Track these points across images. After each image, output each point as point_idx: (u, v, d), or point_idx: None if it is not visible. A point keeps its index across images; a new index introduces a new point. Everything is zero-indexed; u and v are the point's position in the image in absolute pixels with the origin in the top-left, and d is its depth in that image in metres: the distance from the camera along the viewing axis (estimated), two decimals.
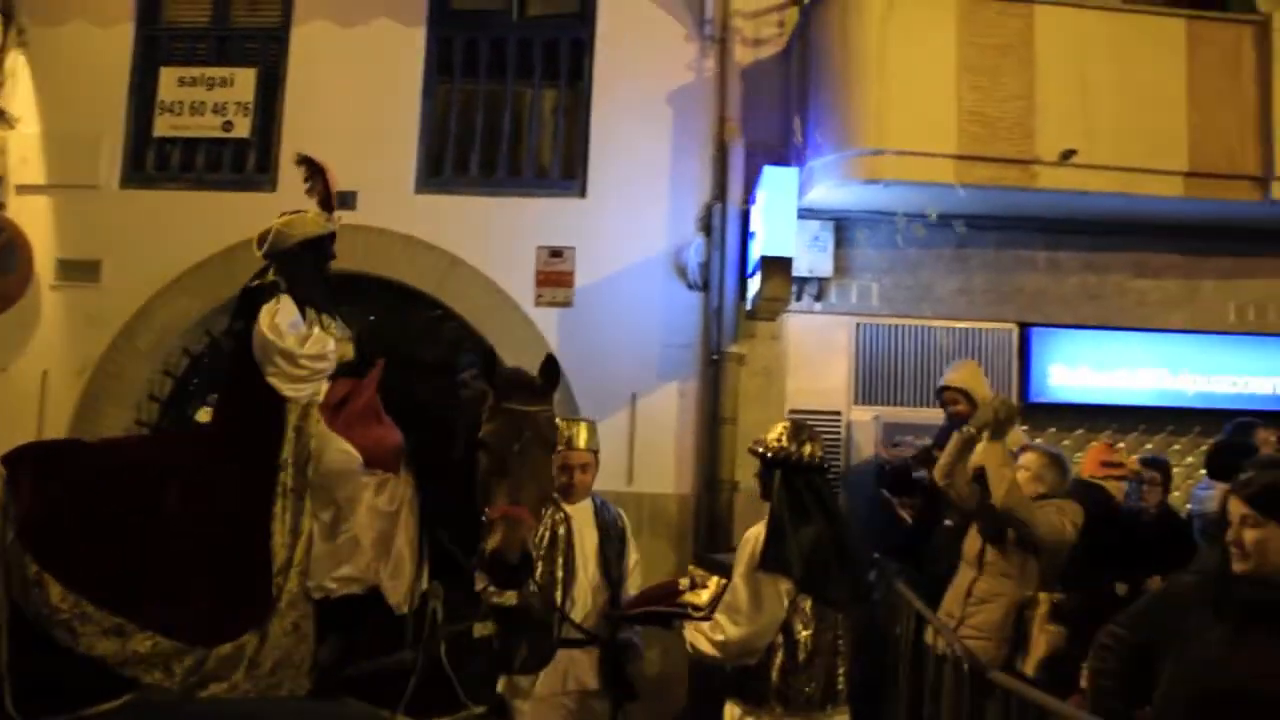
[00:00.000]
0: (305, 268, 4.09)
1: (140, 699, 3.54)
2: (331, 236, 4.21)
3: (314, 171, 4.26)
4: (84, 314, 7.67)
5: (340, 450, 3.77)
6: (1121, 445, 7.28)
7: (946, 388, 6.01)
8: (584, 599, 4.54)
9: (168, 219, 7.66)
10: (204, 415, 7.85)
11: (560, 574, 4.49)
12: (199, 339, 7.78)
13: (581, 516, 4.66)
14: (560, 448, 4.23)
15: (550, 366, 3.75)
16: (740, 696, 3.98)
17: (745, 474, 7.08)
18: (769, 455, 4.03)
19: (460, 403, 3.84)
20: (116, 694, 3.52)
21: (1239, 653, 2.79)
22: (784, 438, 4.05)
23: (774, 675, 3.85)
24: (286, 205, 7.40)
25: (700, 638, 3.98)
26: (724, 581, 4.07)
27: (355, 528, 3.73)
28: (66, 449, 4.26)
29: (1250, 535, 2.85)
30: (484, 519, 3.52)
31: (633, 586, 4.74)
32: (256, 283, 3.99)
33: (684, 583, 4.31)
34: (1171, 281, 7.45)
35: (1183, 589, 3.24)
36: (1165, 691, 2.98)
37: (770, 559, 3.84)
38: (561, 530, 4.57)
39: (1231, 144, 6.74)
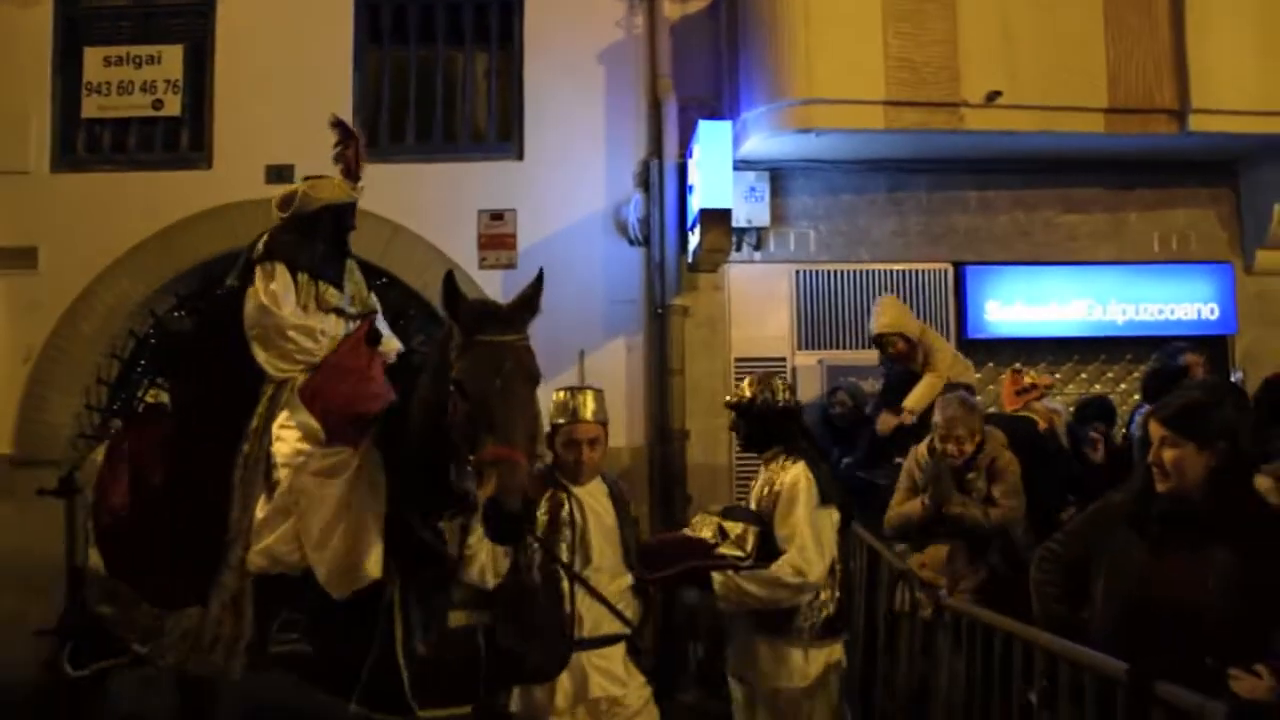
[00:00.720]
0: (323, 233, 4.14)
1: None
2: (353, 205, 4.23)
3: (345, 137, 4.26)
4: (24, 301, 7.59)
5: (300, 422, 3.70)
6: (1055, 376, 7.56)
7: (880, 335, 6.20)
8: (603, 589, 3.74)
9: (103, 201, 7.57)
10: (151, 396, 7.87)
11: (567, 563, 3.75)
12: (143, 320, 7.73)
13: (594, 499, 3.86)
14: (562, 420, 3.90)
15: (450, 285, 3.31)
16: (771, 632, 4.11)
17: (696, 423, 7.28)
18: (753, 407, 4.29)
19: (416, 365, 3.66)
20: (115, 656, 3.79)
21: (1159, 566, 2.94)
22: (759, 388, 4.31)
23: (803, 604, 4.08)
24: (221, 182, 7.54)
25: (756, 589, 4.00)
26: (758, 529, 4.09)
27: (290, 503, 3.56)
28: (154, 415, 4.61)
29: (1169, 455, 2.98)
30: (470, 468, 3.17)
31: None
32: (261, 247, 4.02)
33: (707, 535, 4.12)
34: (1098, 216, 7.69)
35: (1111, 507, 3.39)
36: (1096, 604, 3.17)
37: (823, 494, 4.10)
38: (566, 514, 3.77)
39: (1149, 79, 6.94)
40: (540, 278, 3.54)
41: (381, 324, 4.43)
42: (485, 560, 3.54)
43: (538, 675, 3.64)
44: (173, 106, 7.70)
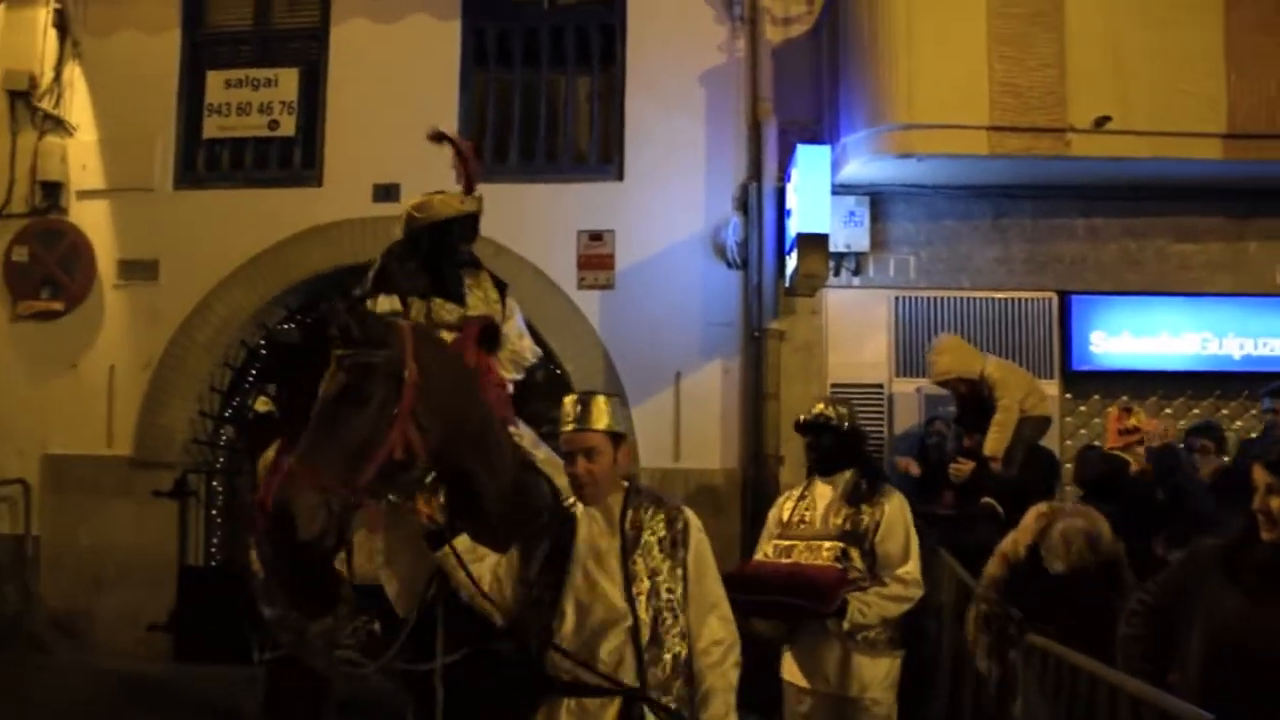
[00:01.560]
0: (435, 250, 4.16)
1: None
2: (468, 217, 4.20)
3: (454, 151, 4.32)
4: (146, 311, 7.97)
5: None
6: (1167, 411, 7.29)
7: (939, 383, 6.19)
8: (584, 631, 3.14)
9: (220, 217, 7.91)
10: (262, 405, 8.18)
11: (547, 596, 3.17)
12: (255, 331, 8.04)
13: (599, 517, 3.23)
14: (566, 428, 3.25)
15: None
16: (855, 643, 4.25)
17: (789, 448, 7.22)
18: (841, 426, 4.45)
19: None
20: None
21: (1256, 616, 2.83)
22: (842, 408, 4.53)
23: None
24: (332, 200, 7.79)
25: (890, 604, 4.22)
26: (857, 549, 4.29)
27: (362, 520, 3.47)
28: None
29: (1276, 503, 2.86)
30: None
31: (699, 640, 3.15)
32: (367, 282, 4.11)
33: (835, 565, 4.28)
34: (1215, 245, 7.38)
35: (1204, 554, 3.28)
36: (1186, 654, 3.06)
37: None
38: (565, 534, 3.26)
39: (1272, 103, 6.64)
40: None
41: (518, 326, 4.41)
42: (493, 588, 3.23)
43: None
44: (287, 127, 7.99)
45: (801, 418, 4.61)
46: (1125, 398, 7.32)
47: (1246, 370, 7.31)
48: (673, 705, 3.04)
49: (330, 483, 2.94)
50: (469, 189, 4.27)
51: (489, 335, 4.22)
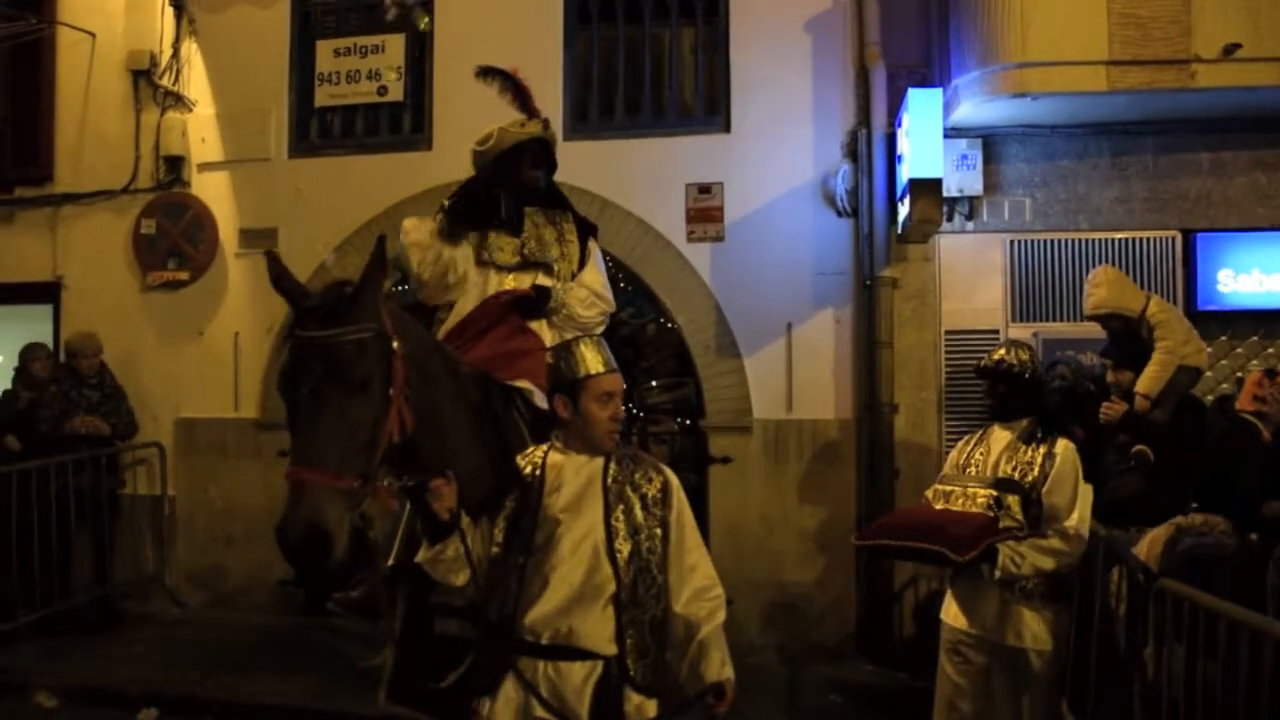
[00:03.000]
0: (501, 180, 4.13)
1: None
2: (534, 142, 4.08)
3: (503, 80, 4.29)
4: (266, 278, 8.13)
5: None
6: None
7: (1092, 316, 5.95)
8: (561, 592, 2.99)
9: (334, 184, 8.10)
10: None
11: (521, 559, 3.03)
12: None
13: (585, 470, 3.11)
14: (599, 370, 3.06)
15: (273, 265, 2.93)
16: (1026, 597, 4.26)
17: (904, 396, 7.19)
18: (1021, 373, 4.46)
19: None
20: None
21: None
22: (1026, 354, 4.53)
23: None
24: (443, 163, 7.91)
25: (1045, 557, 4.17)
26: (1018, 497, 4.26)
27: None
28: None
29: None
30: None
31: (680, 597, 3.10)
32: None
33: (971, 508, 4.31)
34: None
35: None
36: None
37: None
38: (535, 491, 3.09)
39: None
40: (378, 252, 2.93)
41: (594, 275, 4.22)
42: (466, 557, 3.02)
43: (477, 682, 3.07)
44: (396, 92, 8.12)
45: (981, 362, 4.60)
46: (1256, 338, 7.11)
47: None
48: (648, 670, 3.02)
49: (349, 483, 2.69)
50: (530, 114, 4.19)
51: (529, 303, 4.04)
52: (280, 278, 2.90)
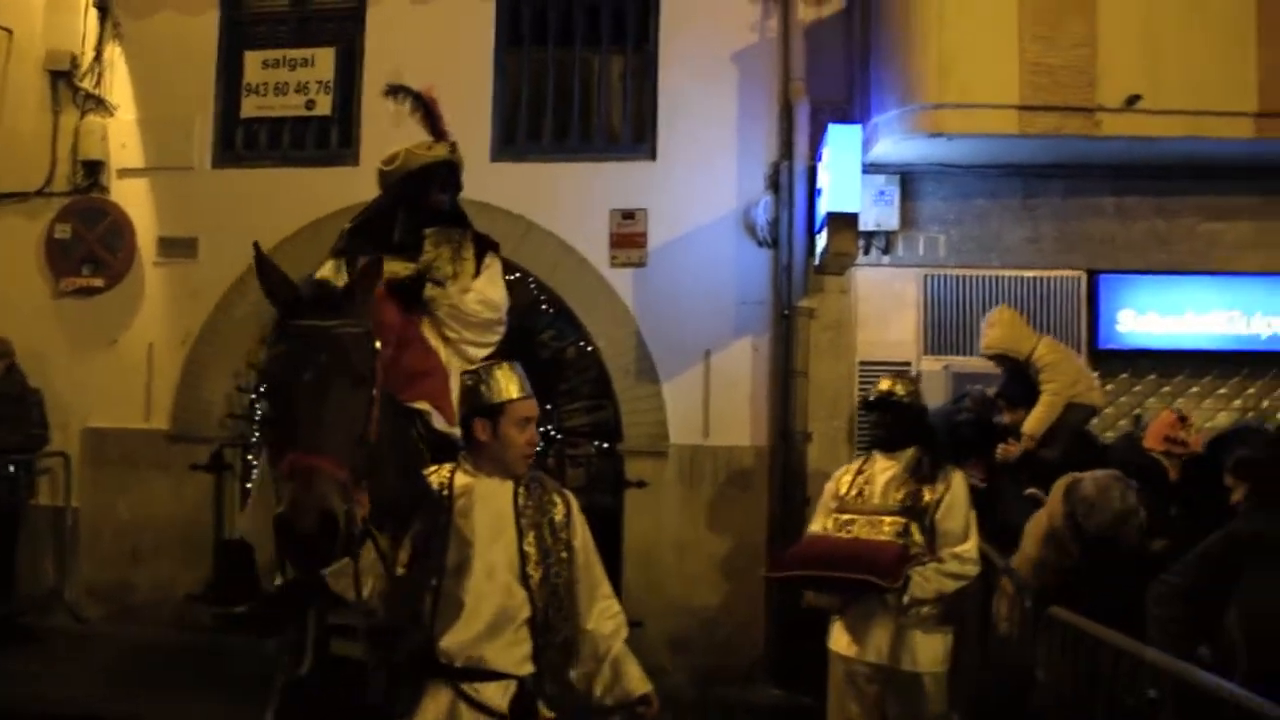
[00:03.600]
0: (403, 203, 3.97)
1: None
2: (438, 165, 3.95)
3: (414, 101, 4.16)
4: (184, 288, 8.12)
5: None
6: (1193, 390, 7.34)
7: (988, 356, 6.17)
8: (479, 618, 3.02)
9: (257, 196, 8.02)
10: None
11: (433, 581, 3.02)
12: None
13: (495, 495, 3.15)
14: (516, 395, 3.12)
15: (259, 258, 2.89)
16: (914, 620, 4.40)
17: (817, 424, 7.33)
18: (904, 402, 4.61)
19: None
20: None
21: None
22: (907, 384, 4.73)
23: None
24: (369, 179, 7.84)
25: (948, 580, 4.34)
26: (918, 524, 4.41)
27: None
28: None
29: None
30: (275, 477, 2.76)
31: (589, 616, 3.22)
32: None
33: (896, 540, 4.38)
34: (1244, 224, 7.38)
35: (1238, 538, 3.41)
36: (1217, 632, 3.17)
37: None
38: (445, 515, 3.10)
39: None
40: (376, 262, 2.98)
41: (486, 282, 4.02)
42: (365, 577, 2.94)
43: (397, 705, 3.01)
44: (324, 106, 8.10)
45: (869, 395, 4.73)
46: (1153, 377, 7.38)
47: (1275, 350, 7.33)
48: (559, 686, 3.10)
49: (346, 475, 2.64)
50: (437, 136, 4.07)
51: (402, 288, 3.80)
52: (266, 269, 2.86)
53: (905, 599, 4.28)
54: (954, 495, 4.43)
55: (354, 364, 2.76)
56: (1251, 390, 7.46)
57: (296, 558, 2.69)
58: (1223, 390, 7.43)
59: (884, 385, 4.69)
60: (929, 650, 4.37)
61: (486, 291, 3.99)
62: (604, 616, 3.20)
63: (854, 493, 4.60)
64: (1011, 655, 4.64)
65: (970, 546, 4.39)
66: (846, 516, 4.57)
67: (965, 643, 5.24)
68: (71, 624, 7.93)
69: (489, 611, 3.00)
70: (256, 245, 2.96)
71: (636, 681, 3.16)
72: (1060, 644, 4.07)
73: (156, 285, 8.20)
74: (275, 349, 2.78)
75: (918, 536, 4.38)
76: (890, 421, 4.63)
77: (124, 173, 8.29)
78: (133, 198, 8.24)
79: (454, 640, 2.98)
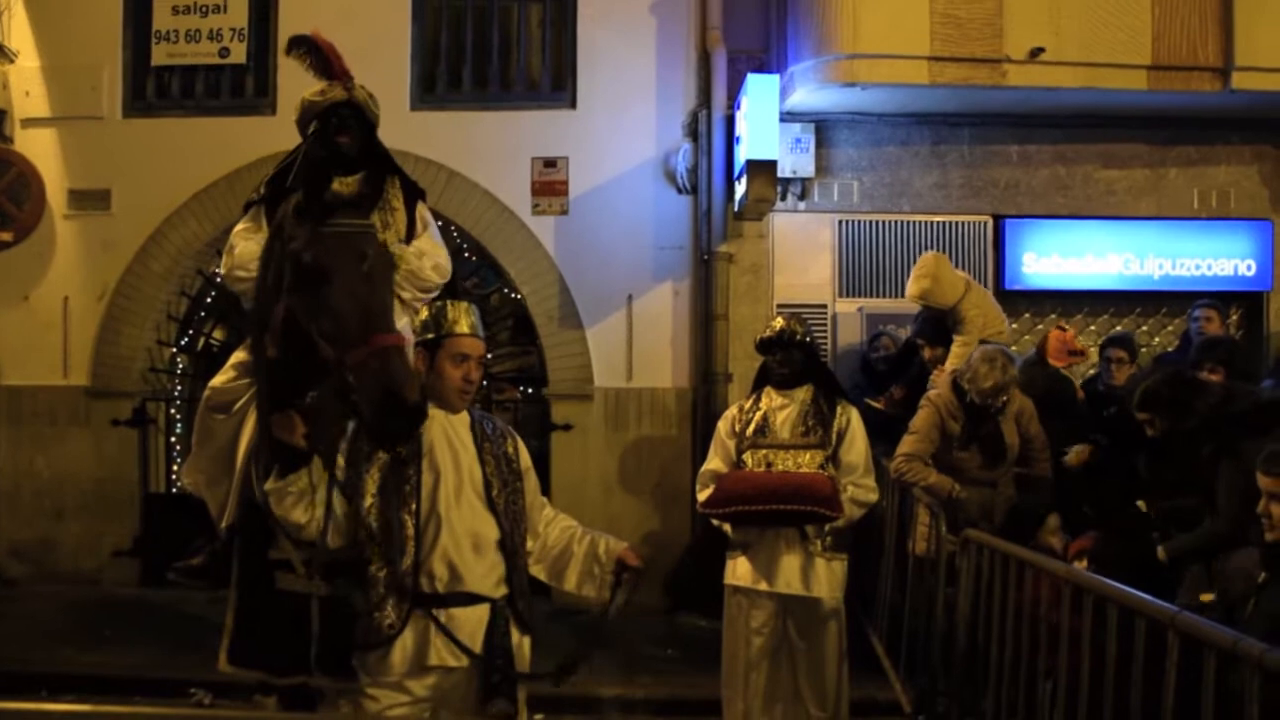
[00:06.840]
0: (308, 152, 3.80)
1: None
2: (330, 107, 3.75)
3: (306, 48, 3.86)
4: (98, 241, 7.97)
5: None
6: (1090, 328, 7.75)
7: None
8: (457, 541, 3.13)
9: (172, 146, 7.90)
10: (218, 334, 8.24)
11: (413, 506, 3.12)
12: (210, 260, 8.07)
13: (453, 426, 3.24)
14: (447, 332, 3.22)
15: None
16: (819, 548, 4.60)
17: (737, 366, 7.56)
18: (808, 340, 4.74)
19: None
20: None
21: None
22: (800, 324, 4.79)
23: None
24: (287, 128, 7.74)
25: (857, 509, 4.61)
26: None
27: (200, 437, 3.64)
28: None
29: (1277, 509, 3.28)
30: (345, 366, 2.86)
31: (545, 522, 3.46)
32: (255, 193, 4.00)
33: (820, 471, 4.55)
34: (1138, 171, 7.80)
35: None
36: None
37: None
38: (422, 445, 3.16)
39: (1193, 36, 6.99)
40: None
41: (429, 239, 3.99)
42: (332, 516, 3.10)
43: (372, 635, 3.07)
44: (238, 55, 7.96)
45: (766, 333, 4.76)
46: (1054, 315, 7.76)
47: (1165, 290, 7.80)
48: (527, 608, 3.23)
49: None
50: (330, 78, 3.78)
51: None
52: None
53: (828, 527, 4.48)
54: (854, 430, 4.67)
55: (387, 257, 3.15)
56: (1145, 327, 7.91)
57: (404, 429, 2.92)
58: (1118, 327, 7.84)
59: (779, 324, 4.75)
60: (833, 577, 4.58)
61: (438, 257, 3.98)
62: (565, 524, 3.44)
63: (753, 430, 4.70)
64: (928, 582, 4.96)
65: (870, 478, 4.66)
66: (763, 452, 4.65)
67: (882, 573, 5.59)
68: None
69: (465, 534, 3.12)
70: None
71: (610, 544, 3.37)
72: (975, 562, 4.38)
73: (69, 238, 8.03)
74: (317, 248, 2.94)
75: (831, 469, 4.57)
76: (791, 360, 4.70)
77: (28, 122, 8.05)
78: (39, 148, 8.01)
79: (435, 564, 3.08)
